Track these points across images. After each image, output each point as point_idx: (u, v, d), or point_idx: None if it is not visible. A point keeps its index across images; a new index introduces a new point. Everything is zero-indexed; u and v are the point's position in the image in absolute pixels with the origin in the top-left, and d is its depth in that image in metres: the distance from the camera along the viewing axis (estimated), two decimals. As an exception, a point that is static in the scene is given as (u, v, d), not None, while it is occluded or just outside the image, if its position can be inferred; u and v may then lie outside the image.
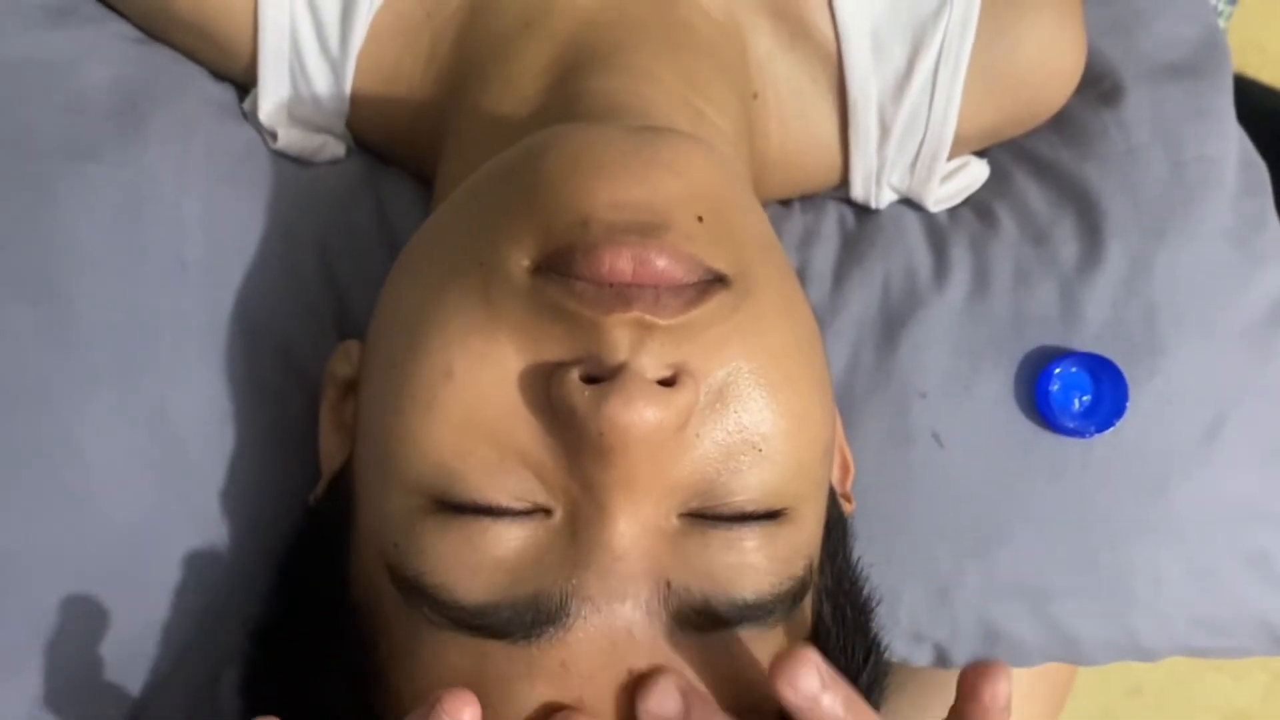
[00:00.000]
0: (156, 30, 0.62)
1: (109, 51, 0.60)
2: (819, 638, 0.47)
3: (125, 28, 0.62)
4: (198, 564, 0.55)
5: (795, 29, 0.61)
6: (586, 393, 0.39)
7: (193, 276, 0.57)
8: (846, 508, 0.54)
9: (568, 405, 0.39)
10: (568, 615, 0.40)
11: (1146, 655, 0.66)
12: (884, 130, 0.64)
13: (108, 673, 0.54)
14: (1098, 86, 0.69)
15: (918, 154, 0.65)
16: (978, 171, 0.68)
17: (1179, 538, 0.63)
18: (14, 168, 0.56)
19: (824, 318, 0.63)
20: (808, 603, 0.46)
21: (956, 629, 0.63)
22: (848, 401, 0.62)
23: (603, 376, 0.40)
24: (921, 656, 0.65)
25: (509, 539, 0.41)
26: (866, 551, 0.53)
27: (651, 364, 0.40)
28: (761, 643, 0.43)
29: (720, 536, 0.42)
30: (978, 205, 0.67)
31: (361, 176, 0.64)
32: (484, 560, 0.41)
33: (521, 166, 0.46)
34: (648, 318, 0.40)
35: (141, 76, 0.60)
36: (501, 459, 0.41)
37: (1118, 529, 0.62)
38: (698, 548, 0.42)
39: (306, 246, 0.60)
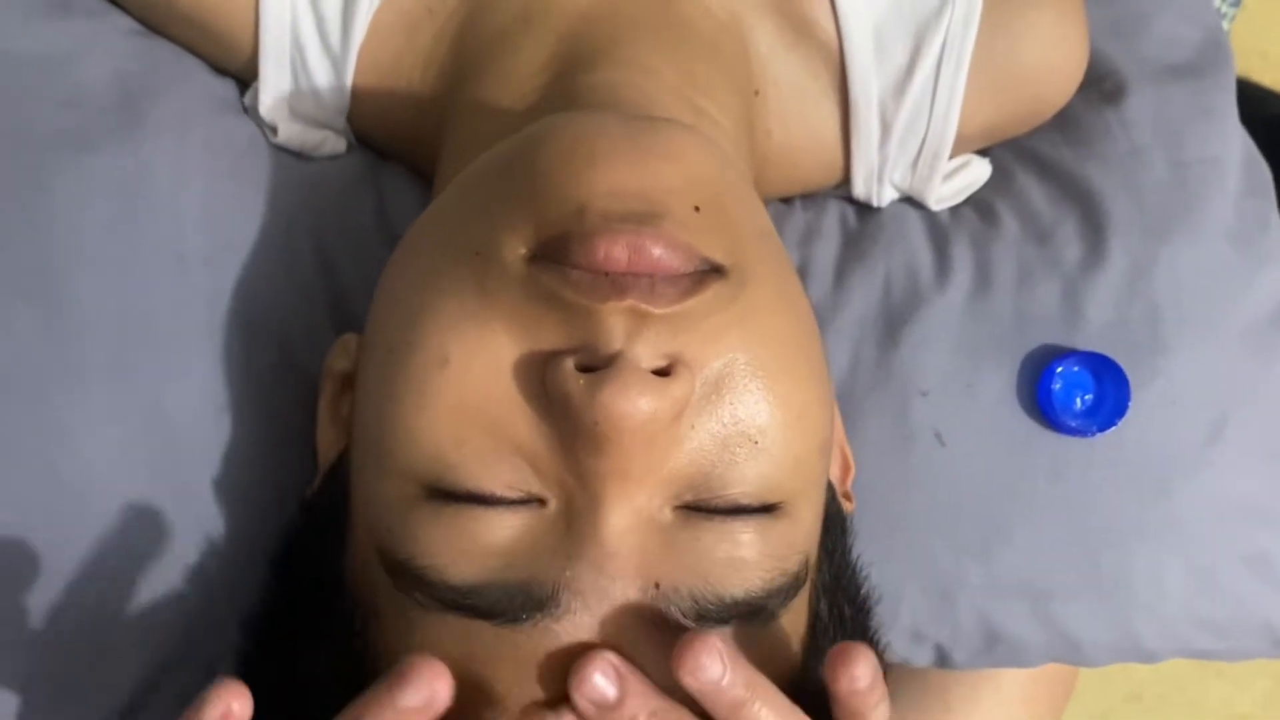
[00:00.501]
0: (156, 24, 0.62)
1: (109, 45, 0.60)
2: (816, 634, 0.47)
3: (125, 21, 0.62)
4: (193, 557, 0.55)
5: (797, 26, 0.61)
6: (581, 381, 0.39)
7: (191, 270, 0.57)
8: (847, 506, 0.53)
9: (562, 394, 0.39)
10: (557, 605, 0.40)
11: (1148, 657, 0.66)
12: (885, 128, 0.63)
13: (101, 665, 0.54)
14: (1100, 86, 0.69)
15: (919, 152, 0.64)
16: (979, 170, 0.67)
17: (1181, 539, 0.62)
18: (12, 160, 0.56)
19: (825, 316, 0.63)
20: (805, 599, 0.46)
21: (957, 629, 0.63)
22: (849, 400, 0.62)
23: (598, 365, 0.39)
24: (922, 656, 0.65)
25: (502, 528, 0.41)
26: (867, 550, 0.52)
27: (647, 353, 0.40)
28: (754, 639, 0.43)
29: (714, 529, 0.42)
30: (979, 204, 0.67)
31: (361, 172, 0.64)
32: (476, 546, 0.41)
33: (518, 155, 0.46)
34: (643, 306, 0.40)
35: (141, 70, 0.60)
36: (496, 447, 0.41)
37: (1119, 529, 0.62)
38: (690, 541, 0.41)
39: (306, 241, 0.60)
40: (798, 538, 0.44)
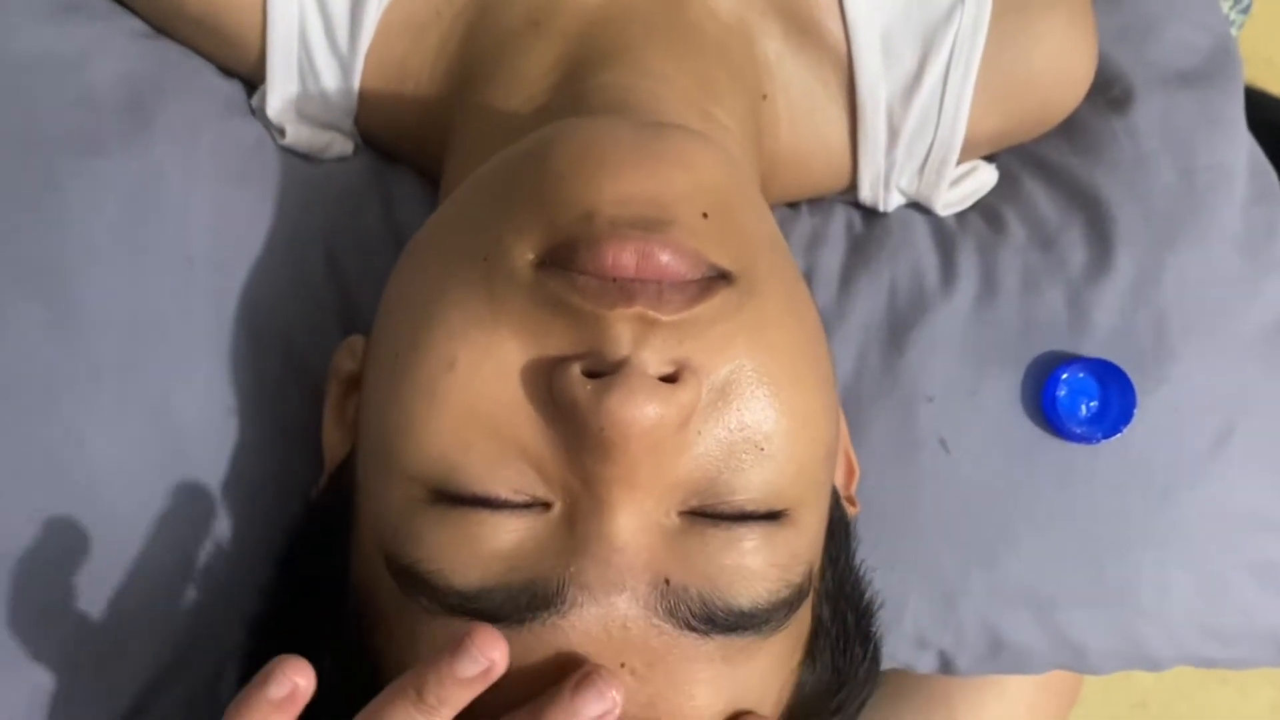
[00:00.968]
0: (165, 26, 0.62)
1: (117, 47, 0.60)
2: (818, 640, 0.47)
3: (134, 23, 0.62)
4: (200, 558, 0.55)
5: (805, 31, 0.61)
6: (588, 387, 0.39)
7: (198, 272, 0.57)
8: (851, 510, 0.53)
9: (569, 399, 0.39)
10: (564, 602, 0.40)
11: (1153, 665, 0.66)
12: (893, 133, 0.63)
13: (108, 667, 0.54)
14: (1108, 93, 0.68)
15: (927, 157, 0.64)
16: (986, 176, 0.67)
17: (1187, 546, 0.62)
18: (21, 162, 0.56)
19: (831, 321, 0.63)
20: (808, 605, 0.46)
21: (961, 636, 0.63)
22: (854, 405, 0.62)
23: (604, 371, 0.40)
24: (926, 663, 0.64)
25: (507, 531, 0.41)
26: (871, 556, 0.52)
27: (654, 360, 0.40)
28: (758, 649, 0.43)
29: (720, 536, 0.42)
30: (986, 210, 0.67)
31: (368, 174, 0.64)
32: (481, 550, 0.41)
33: (527, 160, 0.46)
34: (650, 313, 0.40)
35: (150, 72, 0.60)
36: (501, 451, 0.41)
37: (1125, 536, 0.62)
38: (697, 546, 0.41)
39: (313, 243, 0.60)
40: (802, 546, 0.44)
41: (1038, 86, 0.64)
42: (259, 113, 0.62)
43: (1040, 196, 0.67)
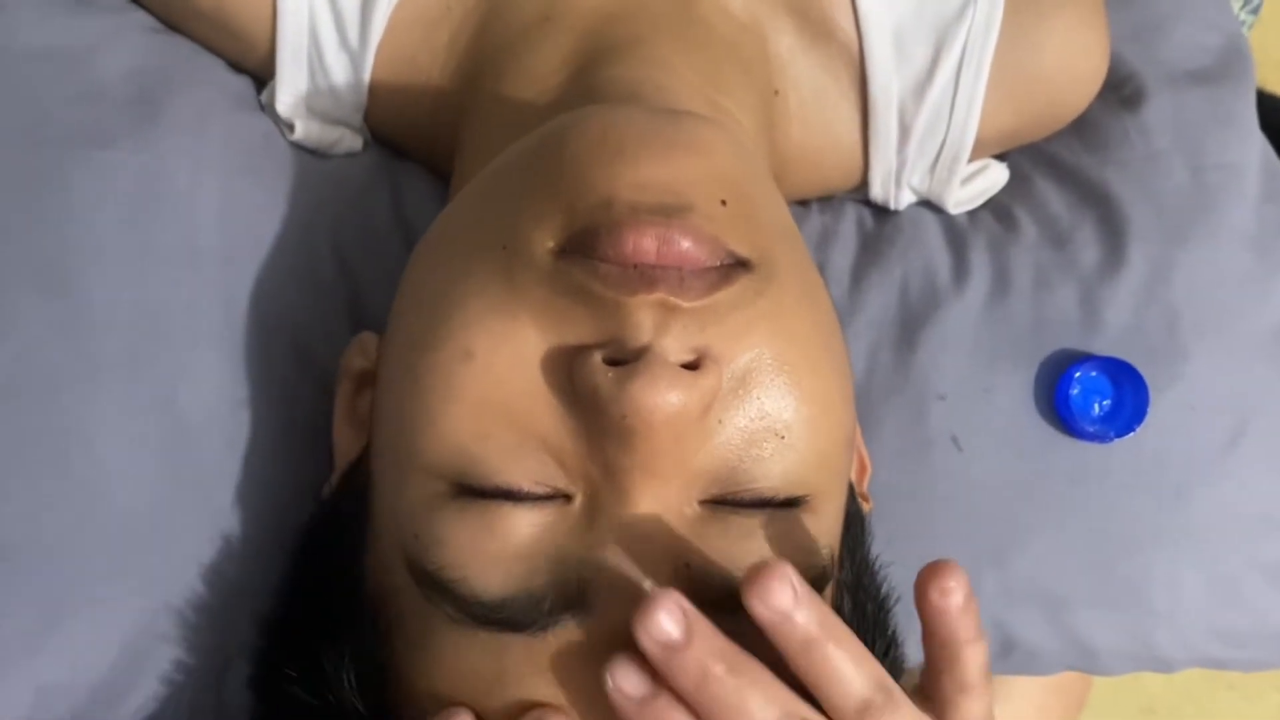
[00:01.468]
0: (175, 20, 0.62)
1: (127, 41, 0.60)
2: None
3: (144, 17, 0.62)
4: (207, 555, 0.54)
5: (817, 28, 0.61)
6: (610, 375, 0.39)
7: (206, 267, 0.56)
8: (865, 506, 0.53)
9: (590, 387, 0.39)
10: (586, 599, 0.40)
11: (1164, 666, 0.65)
12: (904, 131, 0.63)
13: (114, 663, 0.53)
14: (1119, 91, 0.68)
15: (938, 155, 0.64)
16: (998, 174, 0.67)
17: (1199, 546, 0.62)
18: (29, 155, 0.56)
19: (842, 318, 0.62)
20: (828, 596, 0.45)
21: (972, 635, 0.62)
22: (866, 403, 0.62)
23: (626, 359, 0.39)
24: (936, 663, 0.64)
25: (527, 524, 0.40)
26: (884, 553, 0.52)
27: (675, 347, 0.40)
28: None
29: (740, 524, 0.41)
30: (997, 208, 0.67)
31: (378, 169, 0.63)
32: (503, 548, 0.40)
33: (544, 148, 0.45)
34: (672, 299, 0.40)
35: (159, 67, 0.60)
36: (521, 442, 0.41)
37: (1137, 536, 0.62)
38: (717, 533, 0.41)
39: (322, 239, 0.60)
40: (822, 532, 0.43)
41: (1050, 84, 0.64)
42: (268, 108, 0.62)
43: (1052, 195, 0.66)
